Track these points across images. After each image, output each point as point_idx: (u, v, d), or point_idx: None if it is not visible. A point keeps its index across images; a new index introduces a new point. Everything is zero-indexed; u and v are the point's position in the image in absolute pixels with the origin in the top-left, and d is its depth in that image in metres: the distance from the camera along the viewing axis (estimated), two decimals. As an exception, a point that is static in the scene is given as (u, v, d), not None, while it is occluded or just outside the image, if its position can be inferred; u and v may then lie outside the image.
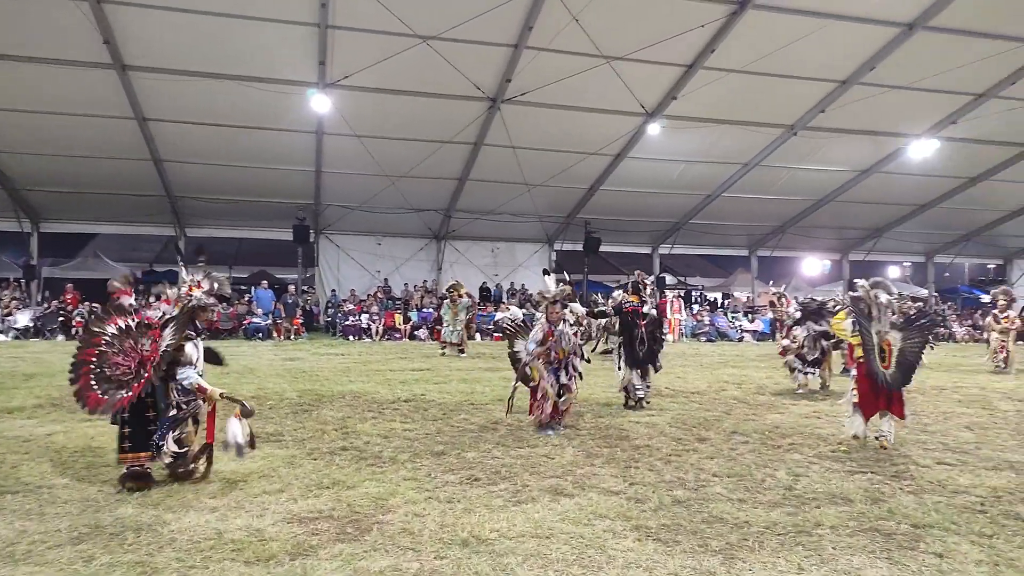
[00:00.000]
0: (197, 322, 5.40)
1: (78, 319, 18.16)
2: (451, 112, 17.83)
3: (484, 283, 25.34)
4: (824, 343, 10.54)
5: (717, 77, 16.82)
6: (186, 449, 5.13)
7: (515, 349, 7.87)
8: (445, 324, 16.05)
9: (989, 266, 33.65)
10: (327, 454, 6.09)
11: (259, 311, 21.12)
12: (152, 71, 15.77)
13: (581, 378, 7.62)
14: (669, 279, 28.92)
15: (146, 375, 4.94)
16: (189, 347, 5.18)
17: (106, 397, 4.88)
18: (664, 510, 4.69)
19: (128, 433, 5.01)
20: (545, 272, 7.04)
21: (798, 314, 11.34)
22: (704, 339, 23.48)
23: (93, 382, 4.93)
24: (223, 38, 15.11)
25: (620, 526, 4.36)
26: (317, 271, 24.19)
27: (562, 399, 7.31)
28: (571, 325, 7.79)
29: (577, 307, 7.61)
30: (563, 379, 7.33)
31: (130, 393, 4.89)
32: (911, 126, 19.71)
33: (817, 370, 10.61)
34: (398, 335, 21.66)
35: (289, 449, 6.28)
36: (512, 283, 25.67)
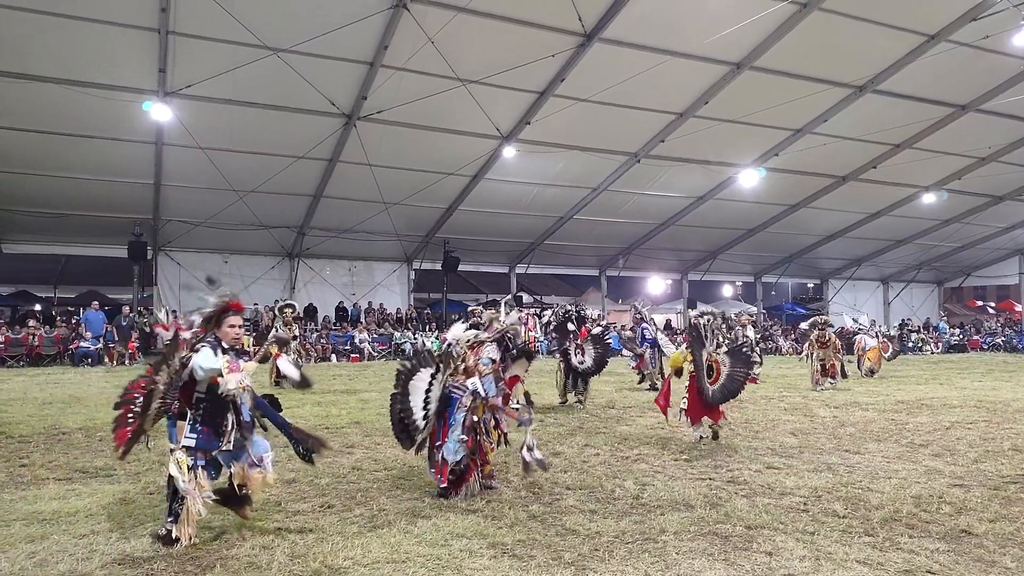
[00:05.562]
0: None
1: None
2: (304, 127, 17.32)
3: (341, 302, 24.79)
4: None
5: (567, 105, 17.49)
6: None
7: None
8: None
9: (809, 285, 37.24)
10: (165, 488, 5.67)
11: (88, 335, 19.38)
12: (-39, 69, 14.15)
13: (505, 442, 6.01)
14: (526, 298, 29.66)
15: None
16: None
17: None
18: (520, 526, 4.76)
19: None
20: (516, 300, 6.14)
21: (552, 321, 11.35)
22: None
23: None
24: (50, 38, 13.80)
25: (477, 544, 4.38)
26: (156, 290, 22.55)
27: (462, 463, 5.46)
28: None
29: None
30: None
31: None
32: (740, 157, 21.44)
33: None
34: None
35: (122, 484, 5.80)
36: (370, 303, 25.25)
